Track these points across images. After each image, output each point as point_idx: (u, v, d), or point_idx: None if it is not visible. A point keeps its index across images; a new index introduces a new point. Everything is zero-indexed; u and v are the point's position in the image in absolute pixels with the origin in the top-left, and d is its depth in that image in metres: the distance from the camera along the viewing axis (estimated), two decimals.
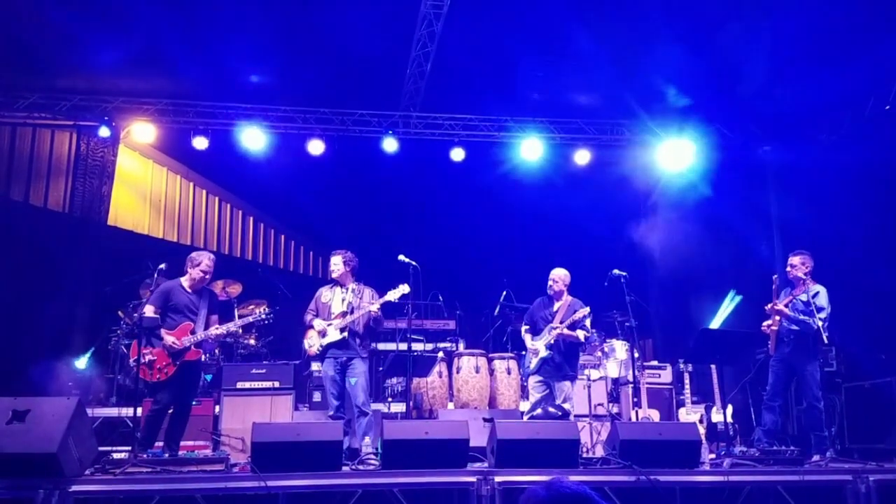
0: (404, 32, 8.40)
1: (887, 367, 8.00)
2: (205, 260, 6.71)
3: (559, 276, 7.69)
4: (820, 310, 6.84)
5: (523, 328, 7.90)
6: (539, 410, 7.19)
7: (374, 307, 6.98)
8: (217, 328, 6.69)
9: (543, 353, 7.42)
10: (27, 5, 7.80)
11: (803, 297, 6.92)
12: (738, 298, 8.80)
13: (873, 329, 8.28)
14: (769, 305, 7.05)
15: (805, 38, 8.04)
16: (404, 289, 7.06)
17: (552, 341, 7.41)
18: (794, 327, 6.92)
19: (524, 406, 8.65)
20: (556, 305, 7.63)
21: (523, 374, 8.10)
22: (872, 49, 7.96)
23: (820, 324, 6.71)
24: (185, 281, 6.71)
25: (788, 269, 7.13)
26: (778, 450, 6.45)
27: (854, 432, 8.07)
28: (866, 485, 5.70)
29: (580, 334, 7.46)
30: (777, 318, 6.99)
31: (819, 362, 7.01)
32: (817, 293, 6.94)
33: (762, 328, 7.13)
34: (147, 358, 6.31)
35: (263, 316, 7.18)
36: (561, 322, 7.43)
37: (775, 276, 7.22)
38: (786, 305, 6.95)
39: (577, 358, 7.72)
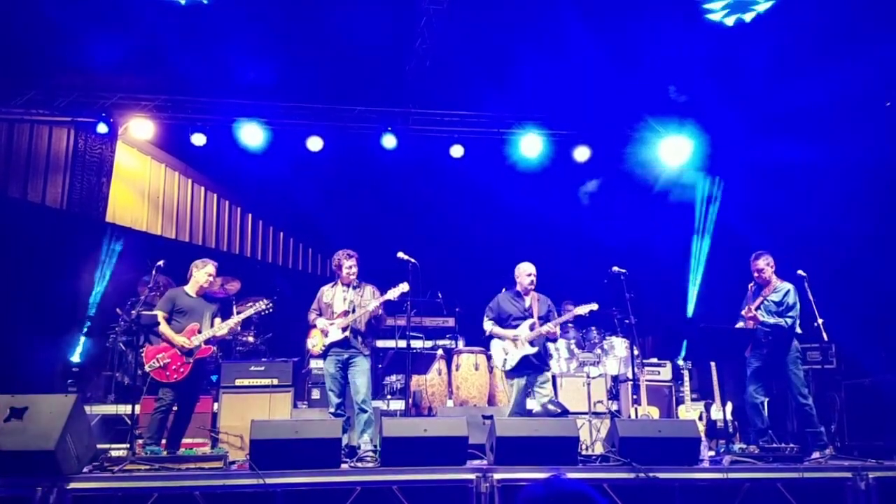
0: (404, 28, 8.39)
1: (887, 365, 7.99)
2: (208, 266, 7.05)
3: (534, 270, 7.45)
4: (789, 308, 6.97)
5: (489, 321, 7.47)
6: (539, 408, 7.15)
7: (373, 305, 6.99)
8: (222, 325, 6.91)
9: (530, 350, 7.15)
10: (25, 1, 7.77)
11: (774, 298, 7.03)
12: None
13: (873, 326, 8.27)
14: (744, 311, 7.10)
15: (806, 34, 8.03)
16: (404, 287, 7.05)
17: (537, 337, 7.20)
18: (768, 330, 7.00)
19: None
20: (528, 301, 7.39)
21: (505, 371, 7.48)
22: (873, 46, 7.94)
23: (790, 322, 6.86)
24: (188, 287, 7.01)
25: (756, 274, 7.18)
26: (777, 447, 6.45)
27: (854, 429, 8.06)
28: (866, 482, 5.70)
29: (557, 328, 7.37)
30: (751, 322, 7.04)
31: (799, 360, 7.03)
32: (787, 291, 7.05)
33: (738, 327, 7.20)
34: (162, 361, 6.57)
35: (264, 307, 7.22)
36: (540, 318, 7.25)
37: (751, 284, 7.27)
38: (758, 308, 6.99)
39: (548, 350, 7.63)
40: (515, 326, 7.28)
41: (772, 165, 10.32)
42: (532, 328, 7.21)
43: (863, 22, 7.73)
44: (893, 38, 7.73)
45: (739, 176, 10.19)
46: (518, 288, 7.47)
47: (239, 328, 9.31)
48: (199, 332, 6.78)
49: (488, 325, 7.46)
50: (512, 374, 7.20)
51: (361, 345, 7.04)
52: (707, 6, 7.96)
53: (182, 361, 6.66)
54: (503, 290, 7.73)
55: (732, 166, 10.27)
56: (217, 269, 7.14)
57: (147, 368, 6.60)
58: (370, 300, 7.07)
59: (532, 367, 7.18)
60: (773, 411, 7.81)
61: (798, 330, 6.91)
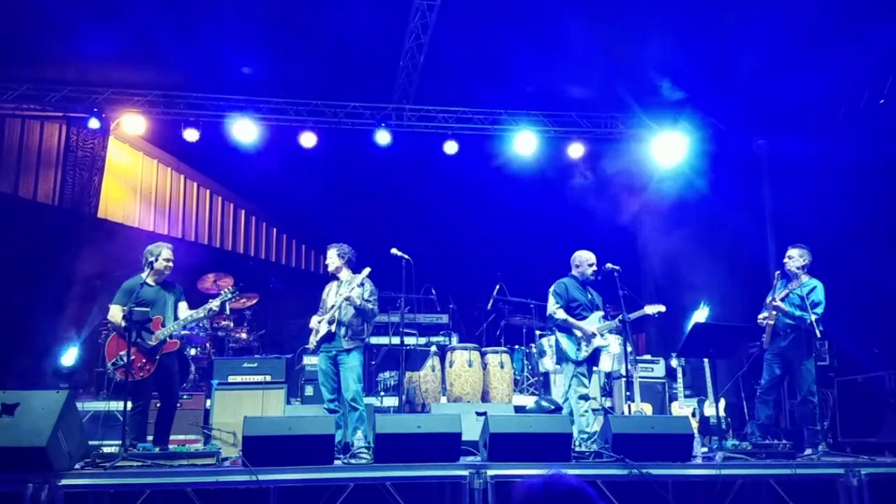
0: (397, 24, 8.35)
1: (880, 361, 8.01)
2: (163, 251, 6.63)
3: (595, 259, 7.27)
4: (815, 305, 6.86)
5: (561, 309, 7.07)
6: (533, 404, 7.14)
7: (344, 296, 6.83)
8: (188, 315, 6.61)
9: (604, 342, 7.03)
10: None
11: (799, 292, 6.93)
12: (707, 309, 8.60)
13: (866, 323, 8.29)
14: (769, 299, 7.06)
15: (799, 29, 8.03)
16: (366, 271, 6.94)
17: (608, 328, 7.09)
18: (791, 322, 6.93)
19: (517, 400, 8.64)
20: (592, 292, 7.26)
21: (575, 361, 7.00)
22: (867, 41, 7.95)
23: (814, 318, 6.72)
24: (147, 276, 6.60)
25: (786, 260, 7.12)
26: (770, 443, 6.46)
27: (846, 426, 8.09)
28: (858, 478, 5.71)
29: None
30: (774, 312, 7.00)
31: (814, 357, 7.01)
32: (814, 288, 6.97)
33: (758, 321, 7.14)
34: (125, 359, 6.19)
35: (230, 295, 6.96)
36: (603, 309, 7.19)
37: (778, 272, 7.18)
38: (783, 299, 6.96)
39: None
40: (583, 316, 7.09)
41: (766, 161, 10.34)
42: (601, 320, 7.11)
43: (857, 13, 7.71)
44: (887, 30, 7.73)
45: (734, 171, 10.18)
46: (577, 275, 7.25)
47: (232, 324, 9.32)
48: (163, 324, 6.48)
49: (562, 314, 7.05)
50: (580, 364, 6.99)
51: (345, 339, 6.86)
52: None
53: (146, 359, 6.36)
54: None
55: (727, 162, 10.26)
56: (173, 252, 6.70)
57: (110, 366, 6.35)
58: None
59: (597, 359, 7.12)
60: None
61: (818, 332, 6.72)
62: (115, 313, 6.45)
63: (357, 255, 7.29)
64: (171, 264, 6.66)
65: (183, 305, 6.71)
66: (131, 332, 6.17)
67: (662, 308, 7.29)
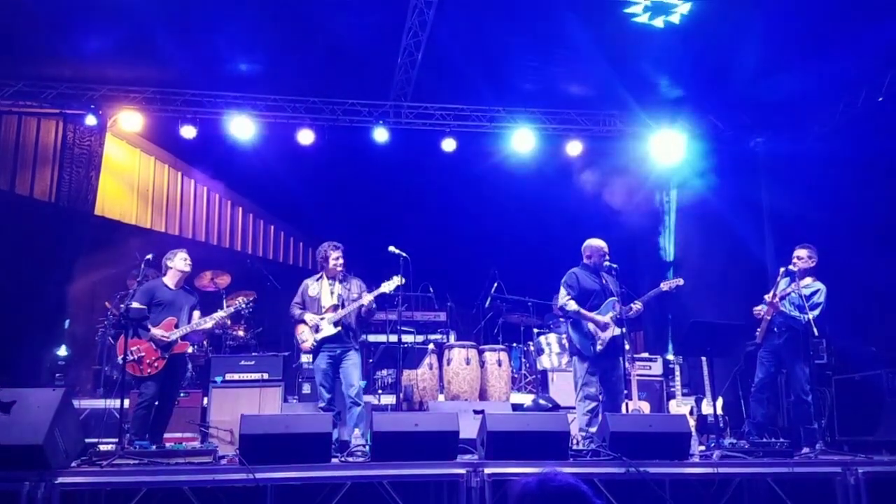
0: (395, 21, 8.33)
1: (877, 360, 8.01)
2: (180, 252, 6.96)
3: (606, 247, 6.99)
4: (815, 307, 6.84)
5: (573, 301, 6.76)
6: (530, 403, 7.12)
7: (368, 299, 6.91)
8: (202, 321, 6.85)
9: (618, 331, 6.70)
10: None
11: (804, 292, 6.90)
12: None
13: (863, 321, 8.29)
14: (769, 294, 7.04)
15: (797, 28, 8.02)
16: (398, 280, 6.99)
17: (621, 315, 6.72)
18: (784, 319, 6.94)
19: (515, 398, 8.64)
20: (605, 277, 6.95)
21: (591, 358, 6.71)
22: (865, 39, 7.93)
23: (810, 317, 6.72)
24: (167, 279, 6.91)
25: (795, 259, 7.05)
26: (767, 442, 6.46)
27: (844, 425, 8.08)
28: (855, 477, 5.70)
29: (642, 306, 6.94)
30: (771, 309, 7.00)
31: (810, 356, 7.00)
32: (817, 291, 6.95)
33: (754, 312, 7.12)
34: (136, 354, 6.44)
35: (244, 305, 7.18)
36: (618, 294, 6.84)
37: (783, 268, 7.08)
38: (783, 297, 6.95)
39: None
40: (597, 305, 6.81)
41: (763, 159, 10.34)
42: (615, 306, 6.78)
43: (855, 12, 7.70)
44: (885, 29, 7.72)
45: (731, 169, 10.20)
46: (589, 264, 6.97)
47: (229, 321, 9.31)
48: (177, 326, 6.67)
49: (574, 305, 6.72)
50: (596, 362, 6.68)
51: (352, 339, 6.98)
52: (628, 10, 7.83)
53: (157, 356, 6.54)
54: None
55: (725, 160, 10.27)
56: (189, 256, 7.00)
57: (119, 360, 6.48)
58: (360, 294, 7.01)
59: (615, 351, 6.76)
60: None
61: (815, 331, 6.68)
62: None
63: (355, 253, 7.31)
64: (187, 270, 6.97)
65: (196, 314, 6.93)
66: (128, 328, 6.36)
67: (680, 281, 7.06)
